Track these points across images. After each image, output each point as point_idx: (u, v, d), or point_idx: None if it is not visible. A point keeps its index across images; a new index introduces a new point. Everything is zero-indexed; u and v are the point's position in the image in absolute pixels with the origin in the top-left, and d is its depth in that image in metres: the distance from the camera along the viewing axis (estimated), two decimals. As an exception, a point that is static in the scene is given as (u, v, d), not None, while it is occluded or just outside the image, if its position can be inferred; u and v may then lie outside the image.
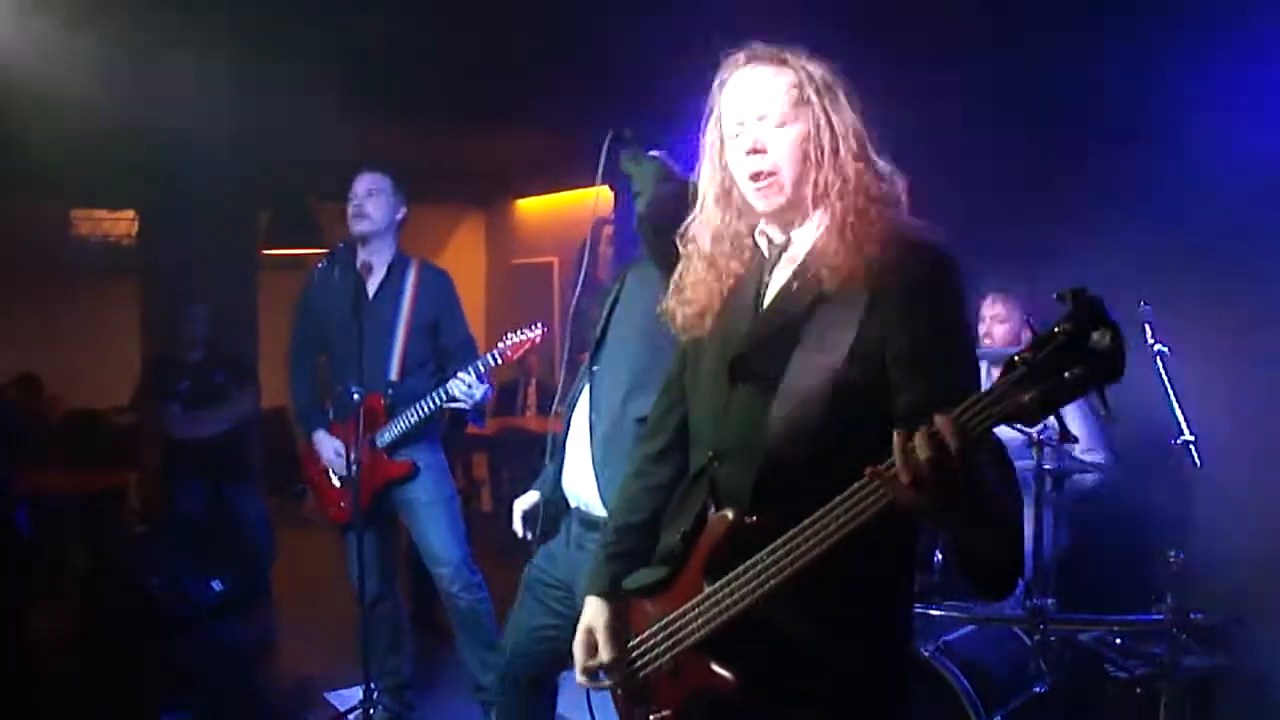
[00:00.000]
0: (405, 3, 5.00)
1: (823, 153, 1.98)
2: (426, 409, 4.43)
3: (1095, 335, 1.52)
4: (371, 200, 4.54)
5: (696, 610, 2.02)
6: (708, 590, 1.99)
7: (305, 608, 6.43)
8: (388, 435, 4.49)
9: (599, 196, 3.40)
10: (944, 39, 5.10)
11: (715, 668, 2.00)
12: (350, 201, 4.54)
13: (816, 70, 2.03)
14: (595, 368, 3.22)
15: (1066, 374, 1.53)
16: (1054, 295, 1.56)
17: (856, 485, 1.74)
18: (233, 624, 5.68)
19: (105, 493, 6.91)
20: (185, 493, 6.36)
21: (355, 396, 4.25)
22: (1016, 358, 1.57)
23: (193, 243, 7.57)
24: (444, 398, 4.36)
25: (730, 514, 1.99)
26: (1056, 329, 1.54)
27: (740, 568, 1.92)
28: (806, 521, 1.81)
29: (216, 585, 5.66)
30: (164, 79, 5.61)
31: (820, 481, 1.81)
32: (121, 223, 10.27)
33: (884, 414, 1.90)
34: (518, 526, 3.53)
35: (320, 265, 4.60)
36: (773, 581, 1.87)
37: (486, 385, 4.47)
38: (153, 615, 5.41)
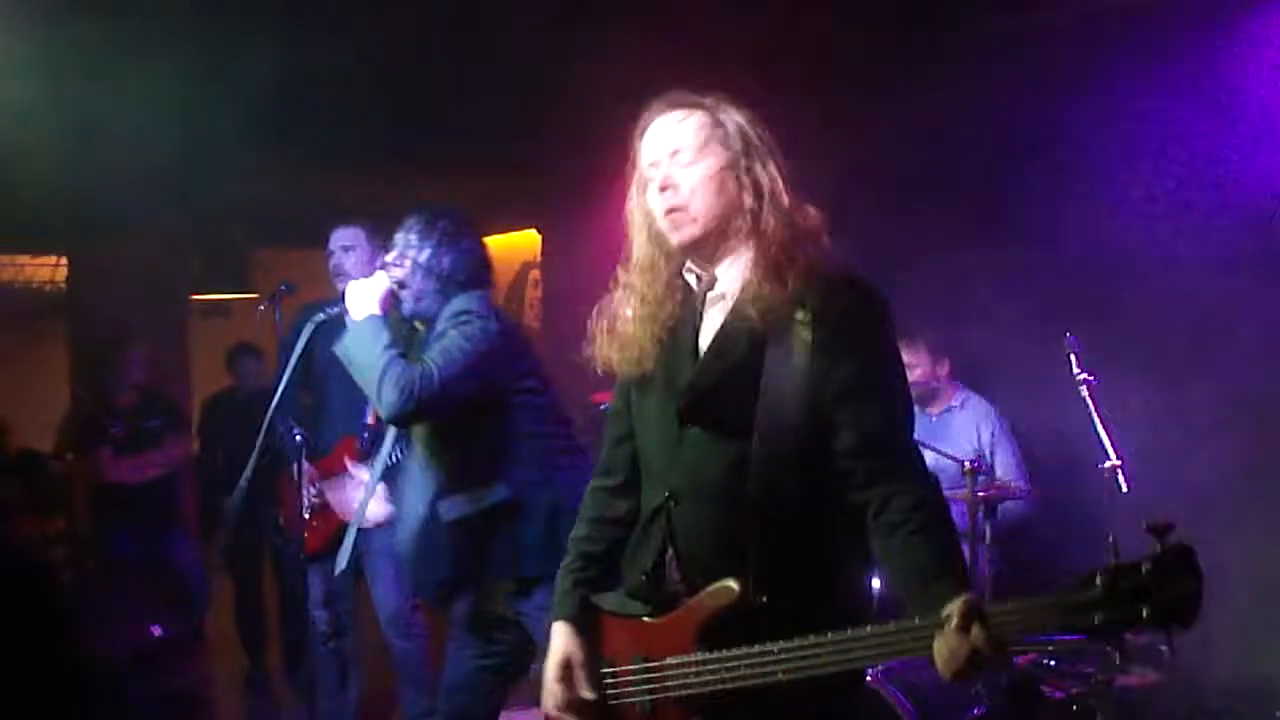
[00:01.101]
0: (334, 47, 5.01)
1: (740, 190, 2.05)
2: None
3: (1179, 581, 1.58)
4: (349, 257, 4.54)
5: (687, 669, 2.03)
6: (702, 656, 2.00)
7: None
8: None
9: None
10: (853, 82, 5.22)
11: None
12: (329, 258, 4.55)
13: (732, 112, 2.12)
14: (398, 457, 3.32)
15: (1145, 611, 1.58)
16: (1143, 526, 1.62)
17: (896, 625, 1.81)
18: (173, 669, 5.60)
19: (41, 539, 6.77)
20: (119, 538, 6.27)
21: (298, 438, 4.24)
22: (1098, 578, 1.62)
23: (122, 288, 7.50)
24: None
25: (735, 585, 1.99)
26: (1143, 566, 1.60)
27: (748, 649, 1.94)
28: (835, 636, 1.85)
29: (156, 630, 5.58)
30: (91, 122, 5.57)
31: (786, 527, 1.93)
32: (45, 268, 10.13)
33: (830, 449, 1.99)
34: None
35: (262, 308, 4.60)
36: (783, 677, 1.89)
37: None
38: (91, 662, 5.31)
